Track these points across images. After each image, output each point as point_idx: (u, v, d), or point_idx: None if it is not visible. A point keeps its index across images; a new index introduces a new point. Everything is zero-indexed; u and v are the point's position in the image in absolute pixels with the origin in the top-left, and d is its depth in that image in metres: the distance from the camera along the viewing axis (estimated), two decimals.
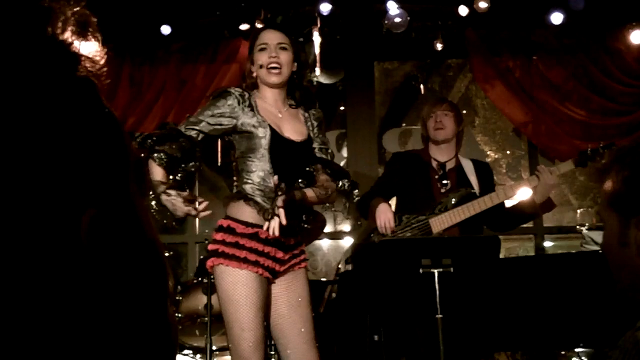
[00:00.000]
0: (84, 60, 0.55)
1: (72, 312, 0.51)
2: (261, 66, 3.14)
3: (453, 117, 4.20)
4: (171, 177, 2.97)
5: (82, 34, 0.55)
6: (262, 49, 3.16)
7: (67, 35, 0.54)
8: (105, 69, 0.58)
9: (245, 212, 3.05)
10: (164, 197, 2.89)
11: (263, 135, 3.06)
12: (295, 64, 3.21)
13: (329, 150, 3.31)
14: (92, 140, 0.53)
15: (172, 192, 2.90)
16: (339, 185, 3.20)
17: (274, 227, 2.87)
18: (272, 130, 3.08)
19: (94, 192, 0.53)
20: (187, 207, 2.88)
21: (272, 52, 3.13)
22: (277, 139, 3.08)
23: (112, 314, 0.54)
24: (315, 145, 3.25)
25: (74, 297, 0.51)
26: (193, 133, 3.05)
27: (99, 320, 0.52)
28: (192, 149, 3.04)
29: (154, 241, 0.59)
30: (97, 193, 0.53)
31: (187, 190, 2.95)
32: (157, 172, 2.95)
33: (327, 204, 3.22)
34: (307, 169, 3.14)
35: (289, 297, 3.13)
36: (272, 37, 3.17)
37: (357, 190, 3.29)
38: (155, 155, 2.95)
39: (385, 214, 3.99)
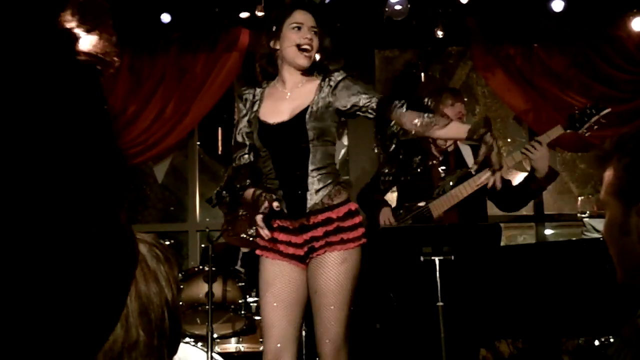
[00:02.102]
0: (88, 53, 0.53)
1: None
2: (298, 45, 3.08)
3: None
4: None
5: (90, 22, 0.54)
6: (295, 28, 3.10)
7: (73, 23, 0.53)
8: (114, 65, 0.56)
9: None
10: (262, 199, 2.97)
11: (255, 129, 3.13)
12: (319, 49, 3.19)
13: (369, 101, 3.09)
14: (96, 146, 0.52)
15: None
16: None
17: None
18: (260, 121, 3.10)
19: (94, 210, 0.52)
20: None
21: (306, 34, 3.09)
22: (264, 129, 3.10)
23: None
24: (357, 105, 3.08)
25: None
26: (249, 156, 3.15)
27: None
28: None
29: (132, 244, 0.59)
30: (95, 212, 0.52)
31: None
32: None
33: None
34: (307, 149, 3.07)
35: (311, 286, 3.05)
36: (306, 19, 3.13)
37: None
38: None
39: (384, 217, 4.09)
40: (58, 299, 0.50)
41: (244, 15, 5.43)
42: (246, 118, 3.16)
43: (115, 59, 0.56)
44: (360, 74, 5.93)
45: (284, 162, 3.06)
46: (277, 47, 3.14)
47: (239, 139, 3.17)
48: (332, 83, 3.10)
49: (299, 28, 3.10)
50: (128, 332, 1.28)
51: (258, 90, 3.18)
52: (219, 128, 6.95)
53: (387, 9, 5.29)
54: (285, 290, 3.03)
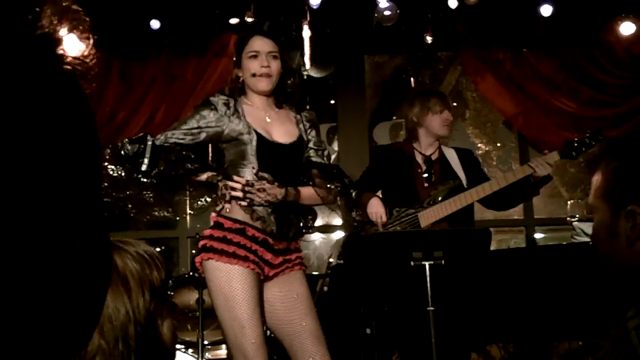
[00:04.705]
0: (70, 57, 0.53)
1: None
2: (253, 75, 3.10)
3: None
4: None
5: (65, 25, 0.53)
6: (252, 56, 3.12)
7: (51, 24, 0.52)
8: (95, 69, 0.56)
9: (234, 210, 3.05)
10: (221, 184, 3.04)
11: (249, 142, 3.05)
12: (282, 70, 3.18)
13: (325, 152, 3.30)
14: (81, 150, 0.52)
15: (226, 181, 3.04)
16: (331, 189, 3.18)
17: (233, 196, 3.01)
18: (259, 135, 3.06)
19: (84, 213, 0.51)
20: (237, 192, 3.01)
21: (264, 61, 3.09)
22: (264, 144, 3.07)
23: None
24: (311, 146, 3.24)
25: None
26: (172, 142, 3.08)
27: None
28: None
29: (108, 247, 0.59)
30: (85, 215, 0.52)
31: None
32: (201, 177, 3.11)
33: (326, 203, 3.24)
34: (300, 175, 3.11)
35: (285, 298, 3.09)
36: (263, 45, 3.13)
37: (353, 190, 3.30)
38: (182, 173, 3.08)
39: (377, 208, 3.98)
40: (34, 304, 0.49)
41: (233, 21, 5.44)
42: (222, 126, 3.07)
43: (94, 61, 0.55)
44: (350, 80, 5.95)
45: (277, 182, 3.04)
46: (240, 75, 3.16)
47: (195, 131, 3.06)
48: (306, 123, 3.25)
49: (256, 56, 3.11)
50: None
51: (231, 102, 3.11)
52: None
53: (376, 15, 5.30)
54: (260, 307, 3.05)
